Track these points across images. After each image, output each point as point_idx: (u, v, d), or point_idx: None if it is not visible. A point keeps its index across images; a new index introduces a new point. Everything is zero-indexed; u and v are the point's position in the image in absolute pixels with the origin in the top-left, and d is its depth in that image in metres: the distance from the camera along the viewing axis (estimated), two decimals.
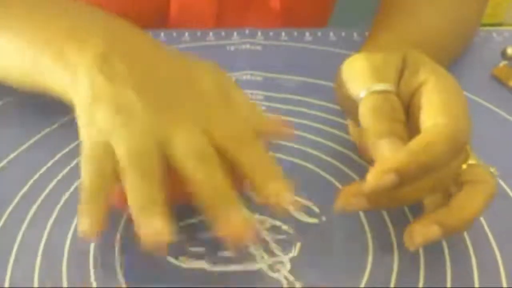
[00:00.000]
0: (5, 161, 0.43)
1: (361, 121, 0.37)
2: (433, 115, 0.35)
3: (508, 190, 0.41)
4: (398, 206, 0.38)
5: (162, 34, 0.56)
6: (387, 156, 0.34)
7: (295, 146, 0.44)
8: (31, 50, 0.40)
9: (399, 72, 0.38)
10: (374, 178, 0.32)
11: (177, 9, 0.61)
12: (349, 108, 0.40)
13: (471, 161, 0.36)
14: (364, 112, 0.36)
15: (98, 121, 0.35)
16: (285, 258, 0.37)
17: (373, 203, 0.34)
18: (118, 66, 0.37)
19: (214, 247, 0.37)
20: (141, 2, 0.61)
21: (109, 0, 0.60)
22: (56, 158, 0.43)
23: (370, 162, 0.37)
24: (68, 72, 0.38)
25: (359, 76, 0.38)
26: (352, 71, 0.40)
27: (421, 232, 0.34)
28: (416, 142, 0.33)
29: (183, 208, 0.39)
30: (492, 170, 0.37)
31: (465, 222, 0.34)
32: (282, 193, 0.34)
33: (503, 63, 0.52)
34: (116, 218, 0.39)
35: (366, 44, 0.46)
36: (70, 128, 0.41)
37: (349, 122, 0.44)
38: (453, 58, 0.52)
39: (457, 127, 0.34)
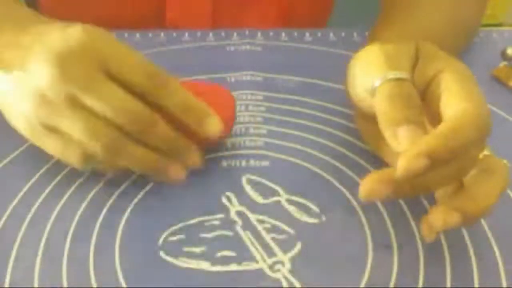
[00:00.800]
0: (5, 161, 0.43)
1: (377, 109, 0.36)
2: (456, 102, 0.35)
3: (508, 190, 0.41)
4: (420, 194, 0.39)
5: (162, 34, 0.56)
6: (406, 144, 0.34)
7: (295, 146, 0.44)
8: None
9: (412, 61, 0.38)
10: (406, 162, 0.32)
11: (173, 10, 0.61)
12: (360, 102, 0.40)
13: (486, 152, 0.37)
14: (381, 100, 0.36)
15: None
16: (285, 258, 0.37)
17: (396, 191, 0.34)
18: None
19: (214, 247, 0.37)
20: (138, 3, 0.61)
21: (106, 1, 0.61)
22: (56, 158, 0.43)
23: (376, 150, 0.38)
24: None
25: (373, 65, 0.38)
26: (365, 61, 0.39)
27: (442, 219, 0.33)
28: (445, 127, 0.33)
29: (183, 209, 0.39)
30: (505, 162, 0.37)
31: (484, 209, 0.34)
32: (218, 126, 0.39)
33: (503, 63, 0.52)
34: (116, 218, 0.39)
35: (368, 43, 0.46)
36: None
37: (355, 115, 0.44)
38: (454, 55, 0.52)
39: (482, 111, 0.34)
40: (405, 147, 0.34)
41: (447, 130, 0.33)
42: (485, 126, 0.35)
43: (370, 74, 0.38)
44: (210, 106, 0.40)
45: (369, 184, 0.34)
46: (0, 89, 0.39)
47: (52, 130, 0.38)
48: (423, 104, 0.37)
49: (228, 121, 0.42)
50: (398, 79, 0.36)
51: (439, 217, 0.33)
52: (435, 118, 0.36)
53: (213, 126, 0.39)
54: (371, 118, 0.37)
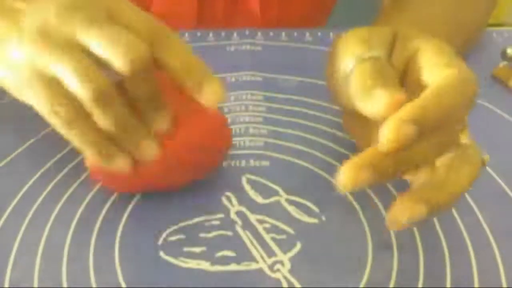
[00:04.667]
0: (5, 161, 0.43)
1: (352, 88, 0.34)
2: (439, 70, 0.33)
3: (508, 190, 0.41)
4: (404, 171, 0.34)
5: None
6: (382, 103, 0.31)
7: (295, 146, 0.44)
8: None
9: (388, 43, 0.37)
10: (393, 130, 0.29)
11: (158, 11, 0.61)
12: (340, 95, 0.38)
13: (467, 140, 0.35)
14: (355, 78, 0.34)
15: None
16: (285, 258, 0.37)
17: (381, 172, 0.30)
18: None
19: (214, 247, 0.37)
20: None
21: None
22: (56, 158, 0.43)
23: (364, 148, 0.34)
24: None
25: (348, 50, 0.36)
26: (339, 48, 0.37)
27: (406, 211, 0.31)
28: (431, 91, 0.31)
29: (183, 209, 0.39)
30: (484, 157, 0.36)
31: (452, 197, 0.32)
32: (219, 93, 0.36)
33: (503, 63, 0.52)
34: (116, 218, 0.39)
35: None
36: None
37: (343, 117, 0.43)
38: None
39: (466, 75, 0.33)
40: (382, 107, 0.31)
41: (432, 95, 0.31)
42: (471, 90, 0.33)
43: (344, 59, 0.36)
44: (207, 132, 0.39)
45: (351, 173, 0.30)
46: None
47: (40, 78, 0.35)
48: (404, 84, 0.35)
49: (222, 150, 0.41)
50: (372, 58, 0.35)
51: (404, 210, 0.31)
52: (418, 93, 0.33)
53: (213, 93, 0.36)
54: (355, 116, 0.35)
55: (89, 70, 0.34)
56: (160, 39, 0.36)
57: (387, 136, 0.29)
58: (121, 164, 0.36)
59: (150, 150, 0.37)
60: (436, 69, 0.34)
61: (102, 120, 0.35)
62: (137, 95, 0.36)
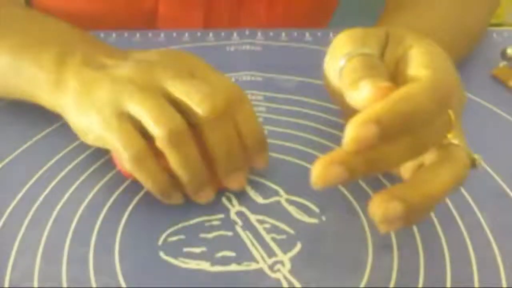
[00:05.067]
0: (5, 161, 0.43)
1: (342, 83, 0.34)
2: (417, 70, 0.33)
3: (508, 190, 0.41)
4: (377, 172, 0.35)
5: (162, 34, 0.56)
6: (367, 92, 0.31)
7: (295, 146, 0.44)
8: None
9: (381, 42, 0.37)
10: (354, 130, 0.29)
11: (165, 15, 0.62)
12: (335, 93, 0.38)
13: (455, 141, 0.34)
14: (345, 73, 0.34)
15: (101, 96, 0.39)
16: (285, 258, 0.37)
17: (352, 170, 0.30)
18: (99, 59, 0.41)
19: (214, 247, 0.37)
20: (130, 4, 0.61)
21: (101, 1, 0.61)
22: (56, 158, 0.43)
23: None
24: (53, 78, 0.41)
25: (340, 48, 0.36)
26: (333, 47, 0.37)
27: (380, 207, 0.30)
28: (397, 92, 0.31)
29: (183, 209, 0.39)
30: (476, 157, 0.35)
31: (427, 199, 0.31)
32: (241, 184, 0.40)
33: (503, 63, 0.52)
34: (116, 218, 0.39)
35: None
36: (70, 129, 0.41)
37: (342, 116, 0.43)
38: (455, 60, 0.51)
39: (439, 77, 0.32)
40: (366, 95, 0.31)
41: (398, 95, 0.30)
42: (442, 92, 0.32)
43: (337, 56, 0.36)
44: None
45: (321, 169, 0.30)
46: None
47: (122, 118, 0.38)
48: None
49: None
50: (363, 54, 0.35)
51: (378, 206, 0.30)
52: None
53: (236, 182, 0.40)
54: (352, 113, 0.34)
55: (167, 111, 0.37)
56: (234, 101, 0.39)
57: (349, 135, 0.29)
58: (174, 201, 0.39)
59: (206, 198, 0.39)
60: (415, 69, 0.33)
61: (172, 159, 0.37)
62: (243, 134, 0.39)
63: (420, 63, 0.34)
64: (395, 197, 0.30)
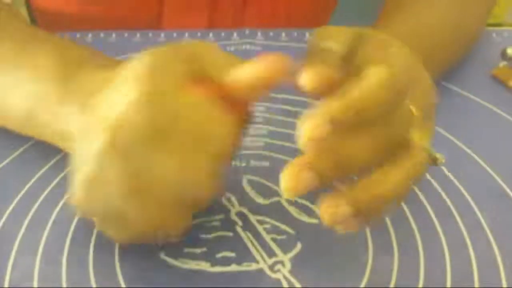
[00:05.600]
0: (5, 161, 0.43)
1: None
2: (372, 65, 0.33)
3: (508, 190, 0.41)
4: (347, 175, 0.34)
5: (162, 34, 0.56)
6: (308, 72, 0.31)
7: (295, 146, 0.44)
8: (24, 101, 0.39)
9: (349, 42, 0.36)
10: (307, 128, 0.29)
11: (169, 21, 0.62)
12: None
13: (416, 139, 0.33)
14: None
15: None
16: (285, 258, 0.37)
17: (320, 175, 0.30)
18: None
19: (214, 247, 0.37)
20: (136, 7, 0.61)
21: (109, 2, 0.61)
22: (56, 158, 0.43)
23: None
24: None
25: (308, 45, 0.37)
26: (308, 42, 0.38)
27: (327, 212, 0.31)
28: (348, 87, 0.31)
29: None
30: (438, 156, 0.35)
31: (377, 199, 0.31)
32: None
33: (503, 63, 0.52)
34: None
35: None
36: None
37: None
38: (453, 60, 0.51)
39: (391, 72, 0.32)
40: (307, 75, 0.32)
41: (351, 90, 0.31)
42: (395, 86, 0.31)
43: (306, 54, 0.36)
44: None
45: (290, 177, 0.30)
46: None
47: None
48: None
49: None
50: (324, 50, 0.35)
51: (326, 209, 0.31)
52: None
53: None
54: None
55: None
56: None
57: (301, 134, 0.30)
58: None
59: None
60: (371, 65, 0.33)
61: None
62: None
63: (377, 59, 0.33)
64: (343, 201, 0.30)
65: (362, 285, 0.35)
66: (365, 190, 0.31)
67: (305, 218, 0.39)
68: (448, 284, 0.35)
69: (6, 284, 0.35)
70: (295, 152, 0.43)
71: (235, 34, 0.56)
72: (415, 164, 0.32)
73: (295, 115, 0.47)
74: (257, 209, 0.39)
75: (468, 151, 0.44)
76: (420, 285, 0.35)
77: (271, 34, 0.56)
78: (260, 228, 0.38)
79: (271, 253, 0.37)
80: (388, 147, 0.32)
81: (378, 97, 0.31)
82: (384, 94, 0.31)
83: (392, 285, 0.35)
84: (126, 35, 0.55)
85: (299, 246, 0.37)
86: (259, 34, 0.56)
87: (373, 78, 0.31)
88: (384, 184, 0.31)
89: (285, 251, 0.37)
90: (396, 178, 0.31)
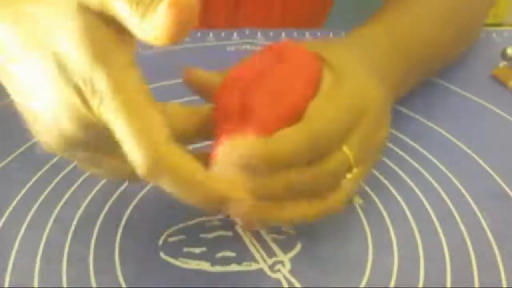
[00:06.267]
0: (5, 161, 0.43)
1: None
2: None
3: (508, 190, 0.41)
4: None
5: None
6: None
7: None
8: None
9: None
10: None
11: None
12: None
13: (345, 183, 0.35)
14: None
15: None
16: (285, 258, 0.37)
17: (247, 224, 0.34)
18: None
19: (214, 247, 0.37)
20: None
21: None
22: (57, 158, 0.43)
23: None
24: None
25: None
26: None
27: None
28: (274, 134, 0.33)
29: (183, 209, 0.39)
30: (359, 201, 0.39)
31: (277, 221, 0.34)
32: None
33: (503, 63, 0.52)
34: (116, 218, 0.39)
35: (352, 30, 0.46)
36: None
37: None
38: (449, 59, 0.51)
39: (311, 132, 0.33)
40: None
41: (274, 140, 0.32)
42: (315, 142, 0.33)
43: None
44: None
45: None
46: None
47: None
48: None
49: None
50: None
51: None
52: None
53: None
54: None
55: None
56: None
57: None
58: None
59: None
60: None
61: None
62: None
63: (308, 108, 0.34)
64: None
65: (362, 285, 0.35)
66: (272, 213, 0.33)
67: None
68: (448, 284, 0.35)
69: (6, 284, 0.35)
70: None
71: (235, 34, 0.56)
72: (330, 201, 0.35)
73: None
74: None
75: (468, 151, 0.44)
76: (420, 285, 0.35)
77: (271, 34, 0.56)
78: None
79: (271, 253, 0.37)
80: (322, 195, 0.35)
81: (299, 151, 0.32)
82: (307, 149, 0.33)
83: (392, 285, 0.35)
84: None
85: (299, 246, 0.37)
86: (259, 34, 0.56)
87: (295, 136, 0.33)
88: (283, 215, 0.34)
89: (285, 251, 0.37)
90: (295, 210, 0.34)
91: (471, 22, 0.54)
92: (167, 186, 0.29)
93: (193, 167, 0.29)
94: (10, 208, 0.39)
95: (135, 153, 0.28)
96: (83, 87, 0.28)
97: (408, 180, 0.41)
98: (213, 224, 0.38)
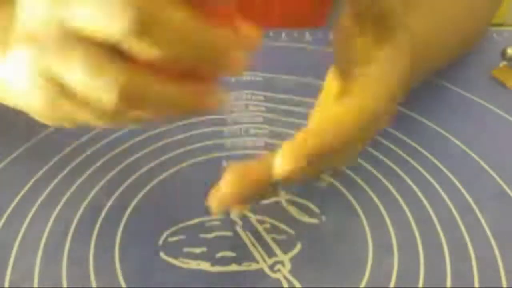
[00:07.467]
0: (5, 161, 0.43)
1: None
2: (356, 93, 0.34)
3: (508, 190, 0.41)
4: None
5: None
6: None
7: None
8: None
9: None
10: (285, 167, 0.32)
11: None
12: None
13: None
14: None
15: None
16: (285, 258, 0.37)
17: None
18: None
19: (214, 247, 0.37)
20: None
21: None
22: (56, 158, 0.43)
23: None
24: None
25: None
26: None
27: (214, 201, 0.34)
28: (327, 123, 0.33)
29: (183, 209, 0.39)
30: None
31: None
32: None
33: (503, 63, 0.52)
34: (116, 218, 0.39)
35: None
36: (71, 129, 0.41)
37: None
38: (452, 54, 0.51)
39: (372, 111, 0.34)
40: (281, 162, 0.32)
41: (326, 129, 0.33)
42: (370, 125, 0.34)
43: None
44: None
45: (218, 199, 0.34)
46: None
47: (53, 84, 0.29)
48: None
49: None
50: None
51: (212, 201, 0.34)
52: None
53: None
54: None
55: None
56: None
57: (278, 169, 0.32)
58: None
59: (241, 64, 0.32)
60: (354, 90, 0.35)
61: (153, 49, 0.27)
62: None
63: (360, 85, 0.34)
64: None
65: (362, 285, 0.35)
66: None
67: (305, 218, 0.39)
68: (448, 284, 0.35)
69: (6, 284, 0.35)
70: None
71: None
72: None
73: (295, 115, 0.47)
74: (257, 209, 0.39)
75: (468, 151, 0.44)
76: (420, 285, 0.35)
77: (271, 34, 0.56)
78: (260, 228, 0.38)
79: (271, 253, 0.37)
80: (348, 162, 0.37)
81: (353, 136, 0.33)
82: (360, 133, 0.33)
83: (392, 285, 0.35)
84: None
85: (299, 246, 0.37)
86: None
87: (351, 117, 0.33)
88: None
89: (285, 251, 0.37)
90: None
91: (475, 29, 0.54)
92: (160, 44, 0.26)
93: (188, 15, 0.27)
94: (10, 208, 0.39)
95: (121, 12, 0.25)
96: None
97: (408, 180, 0.41)
98: (213, 224, 0.38)
